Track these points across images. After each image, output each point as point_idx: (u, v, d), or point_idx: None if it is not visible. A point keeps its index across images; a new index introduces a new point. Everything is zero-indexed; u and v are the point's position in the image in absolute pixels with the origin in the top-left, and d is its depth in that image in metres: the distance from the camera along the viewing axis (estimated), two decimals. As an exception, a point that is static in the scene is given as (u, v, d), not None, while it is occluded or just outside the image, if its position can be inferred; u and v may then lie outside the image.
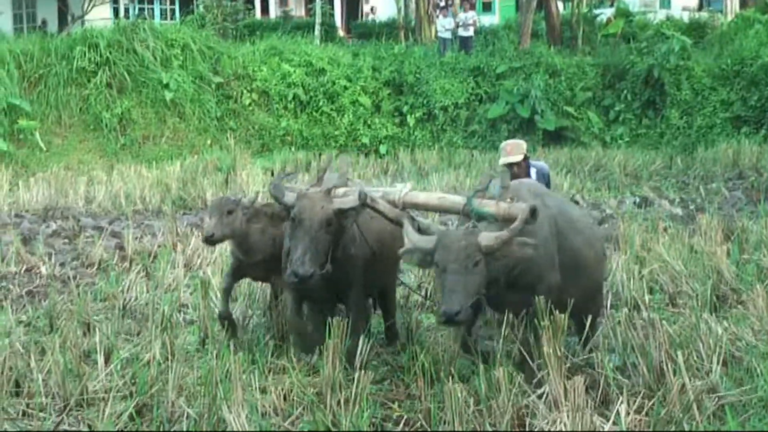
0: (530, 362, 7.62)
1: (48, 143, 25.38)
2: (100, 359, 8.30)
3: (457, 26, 32.47)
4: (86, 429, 7.07)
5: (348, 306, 8.81)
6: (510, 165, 10.85)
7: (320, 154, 26.21)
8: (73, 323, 9.24)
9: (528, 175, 10.85)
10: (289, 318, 8.89)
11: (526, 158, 10.79)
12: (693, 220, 15.01)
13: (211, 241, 8.96)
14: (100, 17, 35.34)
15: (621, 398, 6.99)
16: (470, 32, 32.55)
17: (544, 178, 10.99)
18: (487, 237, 7.16)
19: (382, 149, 27.92)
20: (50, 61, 26.74)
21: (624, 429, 6.58)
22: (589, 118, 28.54)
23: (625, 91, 28.81)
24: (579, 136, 28.06)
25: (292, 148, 27.61)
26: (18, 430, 7.15)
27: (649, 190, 19.96)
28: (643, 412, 6.97)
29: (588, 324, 8.08)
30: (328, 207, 8.05)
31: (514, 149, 10.84)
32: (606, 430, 6.64)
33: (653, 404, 7.01)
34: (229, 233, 8.90)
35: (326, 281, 8.16)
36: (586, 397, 6.82)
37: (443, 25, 32.81)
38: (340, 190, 8.44)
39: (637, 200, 18.52)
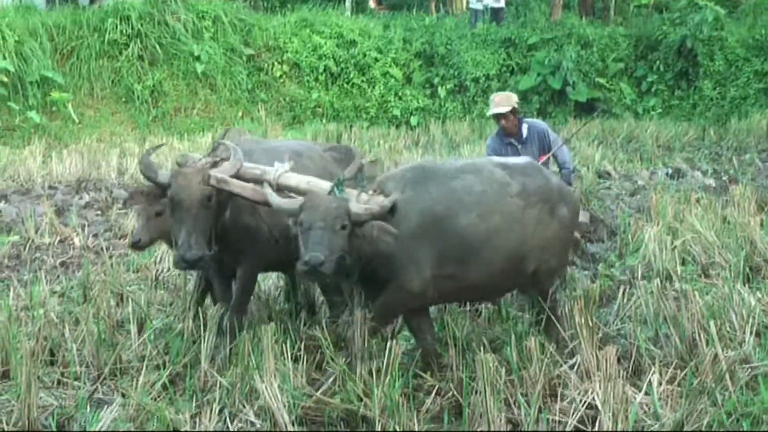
0: (561, 330, 7.66)
1: (80, 115, 25.51)
2: (134, 329, 8.38)
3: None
4: (120, 398, 7.13)
5: (236, 279, 8.51)
6: (498, 117, 10.73)
7: (351, 126, 26.23)
8: (106, 294, 9.29)
9: (519, 130, 10.70)
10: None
11: (515, 112, 10.63)
12: (726, 191, 14.94)
13: (138, 246, 8.63)
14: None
15: (653, 368, 7.00)
16: (501, 3, 32.36)
17: (539, 136, 10.73)
18: (357, 205, 7.11)
19: (413, 121, 27.86)
20: (82, 34, 26.81)
21: (656, 399, 6.58)
22: (621, 89, 28.40)
23: (657, 62, 28.63)
24: (611, 107, 27.93)
25: (323, 120, 27.60)
26: (53, 398, 7.22)
27: (682, 161, 19.83)
28: (675, 383, 6.98)
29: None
30: (209, 176, 7.68)
31: (502, 100, 10.72)
32: (638, 400, 6.64)
33: (685, 375, 7.02)
34: (158, 235, 8.57)
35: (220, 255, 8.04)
36: (618, 367, 6.82)
37: (475, -4, 32.61)
38: (226, 164, 7.96)
39: (670, 171, 18.41)
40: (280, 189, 7.76)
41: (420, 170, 7.85)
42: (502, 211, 7.65)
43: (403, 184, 7.51)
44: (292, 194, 7.69)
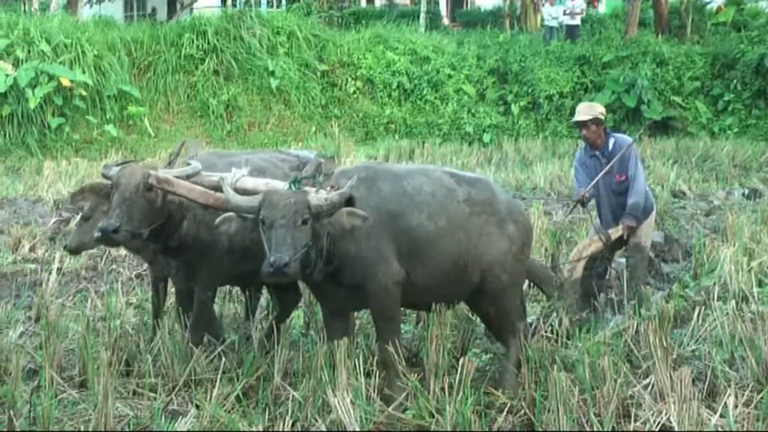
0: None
1: (156, 129, 25.88)
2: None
3: (564, 14, 32.19)
4: (194, 409, 7.19)
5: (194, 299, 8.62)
6: (579, 127, 10.51)
7: (424, 143, 26.22)
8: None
9: (604, 142, 10.31)
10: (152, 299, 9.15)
11: (598, 122, 10.25)
12: (804, 213, 14.73)
13: (67, 250, 8.81)
14: (207, 5, 35.92)
15: (729, 391, 6.90)
16: (577, 21, 32.30)
17: (620, 150, 10.24)
18: (317, 197, 7.06)
19: (486, 138, 27.80)
20: (159, 49, 27.21)
21: (732, 421, 6.50)
22: (696, 107, 28.15)
23: (734, 81, 28.34)
24: (686, 126, 27.67)
25: (396, 136, 27.66)
26: (129, 408, 7.30)
27: (759, 181, 19.60)
28: (752, 406, 6.88)
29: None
30: (148, 174, 7.73)
31: (584, 109, 10.42)
32: (713, 422, 6.56)
33: (762, 397, 6.92)
34: (87, 240, 8.60)
35: (178, 265, 8.29)
36: (692, 388, 6.75)
37: (550, 13, 32.54)
38: (176, 169, 8.10)
39: (746, 192, 18.21)
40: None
41: (372, 170, 7.89)
42: (448, 214, 7.67)
43: (357, 182, 7.44)
44: None
